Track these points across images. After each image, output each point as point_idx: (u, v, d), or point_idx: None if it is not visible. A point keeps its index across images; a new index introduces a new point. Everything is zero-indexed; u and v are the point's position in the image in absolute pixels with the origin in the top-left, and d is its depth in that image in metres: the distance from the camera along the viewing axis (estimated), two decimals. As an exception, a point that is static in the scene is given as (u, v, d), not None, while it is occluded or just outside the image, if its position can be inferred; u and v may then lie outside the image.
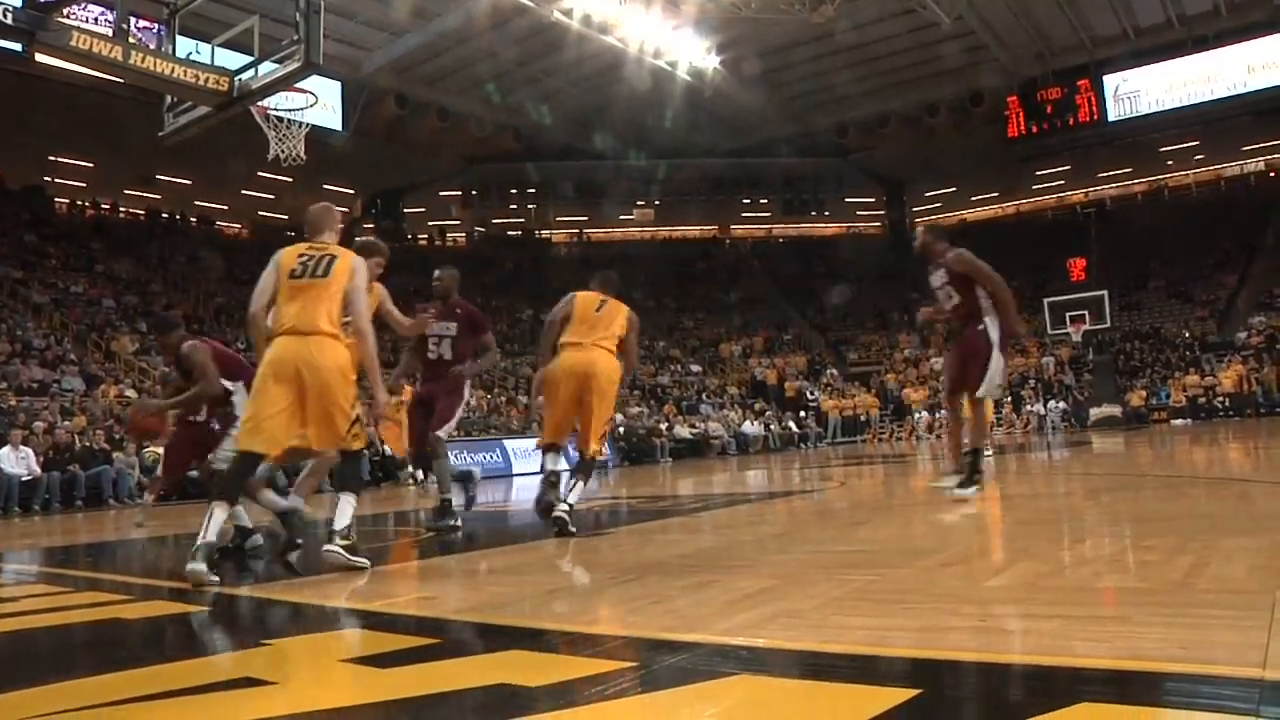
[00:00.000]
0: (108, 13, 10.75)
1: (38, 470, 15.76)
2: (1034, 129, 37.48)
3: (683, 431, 29.13)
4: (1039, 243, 42.03)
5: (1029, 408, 33.50)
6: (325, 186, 42.08)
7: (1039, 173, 45.95)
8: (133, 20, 9.97)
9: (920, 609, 3.14)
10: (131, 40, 9.65)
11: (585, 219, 48.74)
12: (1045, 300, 35.13)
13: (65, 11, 9.52)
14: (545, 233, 48.68)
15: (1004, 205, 49.28)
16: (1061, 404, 33.20)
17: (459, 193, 45.36)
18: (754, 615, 3.15)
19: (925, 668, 2.43)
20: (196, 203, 40.36)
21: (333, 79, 30.67)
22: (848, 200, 49.02)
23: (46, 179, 36.42)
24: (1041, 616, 2.88)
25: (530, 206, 46.96)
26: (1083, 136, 38.09)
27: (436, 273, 7.68)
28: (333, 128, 32.07)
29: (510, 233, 48.23)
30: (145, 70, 9.18)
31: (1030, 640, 2.58)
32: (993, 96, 38.04)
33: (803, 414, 34.74)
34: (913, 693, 2.15)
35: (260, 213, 42.43)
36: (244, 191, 41.01)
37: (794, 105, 39.28)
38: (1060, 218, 46.68)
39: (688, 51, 31.70)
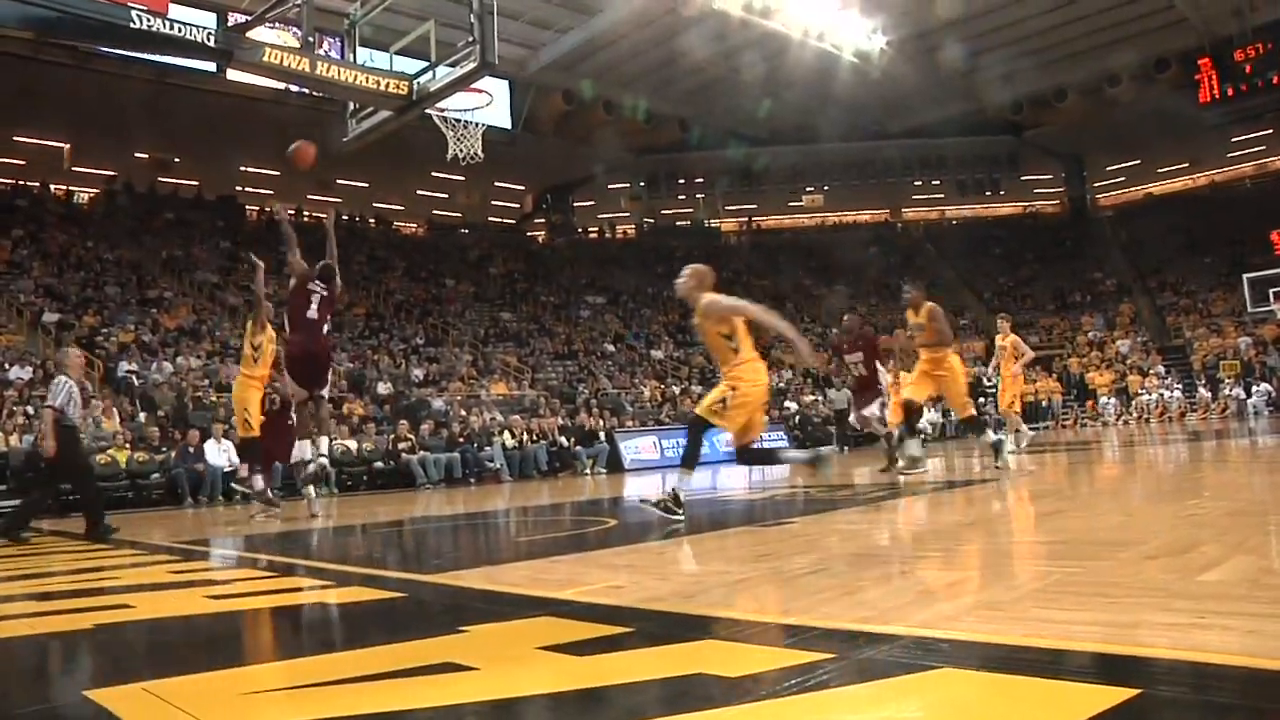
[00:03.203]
0: (291, 29, 11.26)
1: (238, 462, 16.69)
2: (1229, 92, 34.66)
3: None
4: (1236, 215, 39.51)
5: (1227, 391, 31.57)
6: (497, 184, 43.25)
7: (1235, 139, 42.87)
8: (316, 34, 10.39)
9: (1128, 603, 3.00)
10: (317, 52, 10.09)
11: (754, 207, 48.43)
12: (1244, 276, 33.06)
13: (256, 31, 10.07)
14: (714, 222, 48.49)
15: (1195, 176, 46.37)
16: (1267, 387, 31.05)
17: (627, 185, 45.78)
18: (951, 607, 3.07)
19: (1142, 666, 2.31)
20: (374, 204, 41.95)
21: (501, 78, 31.35)
22: (1024, 178, 47.12)
23: (238, 189, 38.51)
24: (1269, 616, 2.69)
25: (698, 196, 46.97)
26: (1289, 96, 35.05)
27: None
28: (502, 126, 32.82)
29: (679, 223, 48.22)
30: (331, 79, 9.60)
31: (1258, 642, 2.40)
32: (1181, 60, 35.69)
33: (981, 400, 33.70)
34: (1131, 692, 2.04)
35: (434, 211, 43.81)
36: (418, 192, 42.43)
37: (964, 83, 37.97)
38: (1261, 186, 43.38)
39: (853, 33, 31.12)
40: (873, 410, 12.75)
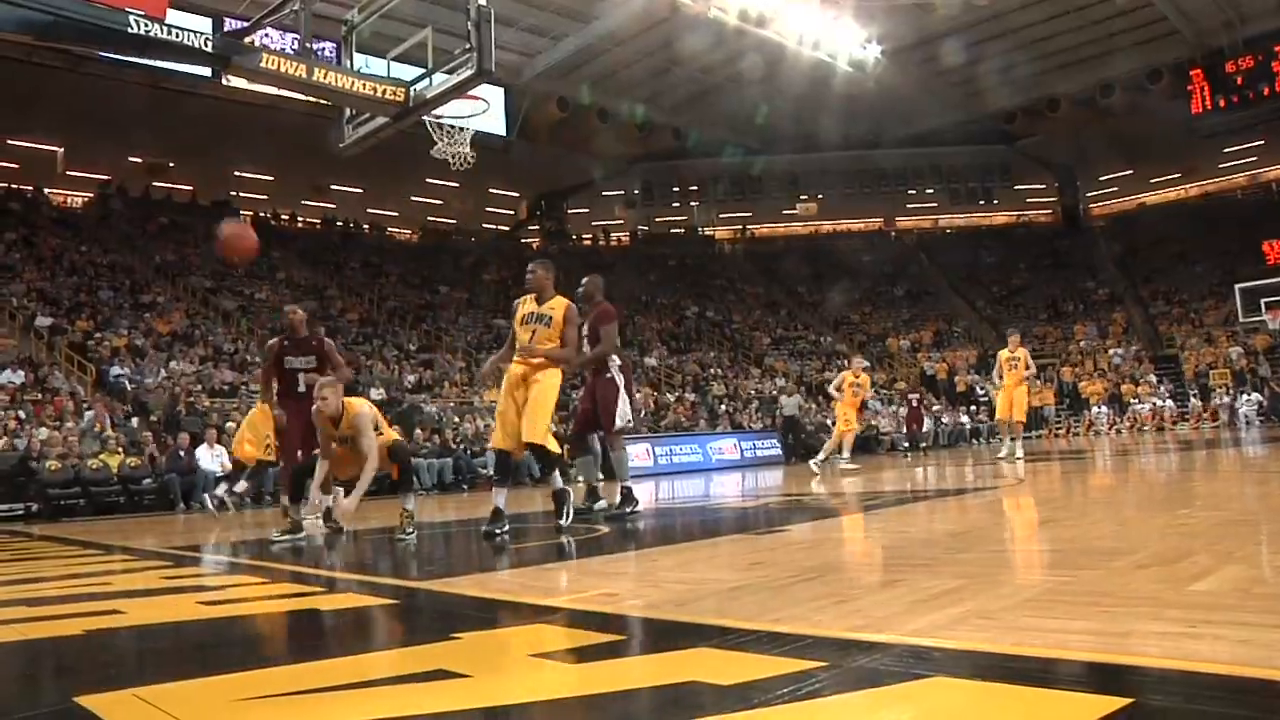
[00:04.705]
0: (289, 36, 11.30)
1: (230, 467, 16.64)
2: (1221, 103, 34.66)
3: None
4: (1228, 225, 39.66)
5: (1219, 400, 31.61)
6: (491, 190, 43.28)
7: (1227, 150, 42.88)
8: (314, 40, 10.39)
9: (1119, 612, 3.00)
10: (314, 58, 10.08)
11: (749, 215, 48.49)
12: (1236, 286, 33.20)
13: (253, 37, 10.08)
14: (708, 230, 48.59)
15: (1187, 187, 46.63)
16: (1258, 396, 31.07)
17: (621, 192, 45.86)
18: (943, 616, 3.07)
19: (1133, 675, 2.31)
20: (369, 210, 41.97)
21: (496, 85, 31.38)
22: (1017, 188, 47.42)
23: (232, 193, 38.52)
24: (1260, 626, 2.69)
25: (693, 204, 47.09)
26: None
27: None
28: (497, 133, 32.86)
29: (674, 231, 48.35)
30: (328, 85, 9.58)
31: (1249, 651, 2.41)
32: (1173, 72, 35.79)
33: (974, 408, 33.78)
34: (1123, 701, 2.04)
35: (429, 218, 43.85)
36: (413, 198, 42.46)
37: (958, 93, 38.11)
38: (1253, 197, 43.62)
39: (848, 42, 31.16)
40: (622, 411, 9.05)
